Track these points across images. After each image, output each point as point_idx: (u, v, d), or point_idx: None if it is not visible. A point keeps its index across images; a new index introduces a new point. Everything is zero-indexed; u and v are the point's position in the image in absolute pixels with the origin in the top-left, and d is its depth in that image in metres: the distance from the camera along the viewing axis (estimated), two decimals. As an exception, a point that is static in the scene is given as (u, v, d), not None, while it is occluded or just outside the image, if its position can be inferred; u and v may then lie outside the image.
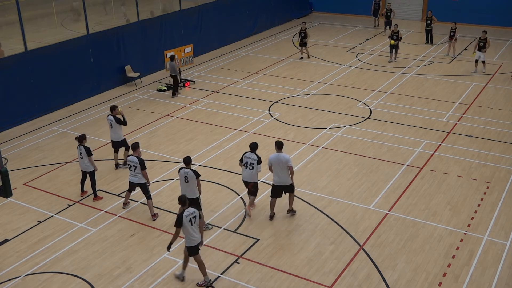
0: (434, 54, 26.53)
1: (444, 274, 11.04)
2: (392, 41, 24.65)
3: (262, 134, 17.57)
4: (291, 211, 13.21)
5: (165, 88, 22.14)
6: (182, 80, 22.58)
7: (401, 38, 24.88)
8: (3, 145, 17.32)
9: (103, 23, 23.50)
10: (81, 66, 21.15)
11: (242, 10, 29.69)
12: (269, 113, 19.43)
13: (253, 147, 12.98)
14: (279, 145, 12.56)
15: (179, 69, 22.48)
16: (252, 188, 13.08)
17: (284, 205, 13.55)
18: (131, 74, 22.87)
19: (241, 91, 21.84)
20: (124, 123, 15.21)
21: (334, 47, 28.18)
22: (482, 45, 23.03)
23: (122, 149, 15.68)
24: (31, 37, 19.70)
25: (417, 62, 25.27)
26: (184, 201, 10.55)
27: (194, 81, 22.96)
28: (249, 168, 12.80)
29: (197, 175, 11.98)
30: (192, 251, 10.59)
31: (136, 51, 23.36)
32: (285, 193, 12.90)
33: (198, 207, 12.27)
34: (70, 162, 16.20)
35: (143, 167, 12.72)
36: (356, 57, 26.33)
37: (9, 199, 13.64)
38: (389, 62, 25.24)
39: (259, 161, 12.73)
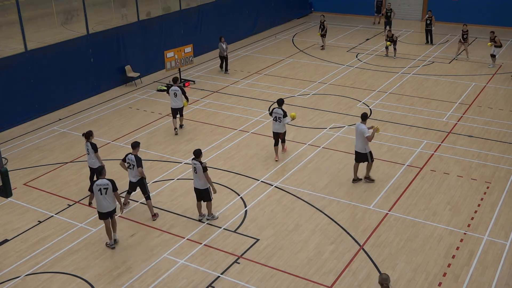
0: (434, 54, 26.53)
1: (444, 274, 11.04)
2: (388, 43, 25.58)
3: (262, 134, 17.58)
4: (368, 179, 14.52)
5: (165, 88, 22.11)
6: (182, 80, 22.58)
7: (396, 38, 25.83)
8: (3, 145, 17.32)
9: (103, 23, 23.49)
10: (81, 66, 21.15)
11: (242, 10, 29.69)
12: (269, 113, 19.39)
13: (280, 102, 15.50)
14: (362, 116, 14.14)
15: (179, 69, 22.50)
16: (284, 136, 15.63)
17: (284, 205, 13.60)
18: (131, 74, 22.86)
19: (241, 91, 21.84)
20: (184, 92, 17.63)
21: (334, 47, 28.17)
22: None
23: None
24: (31, 37, 19.69)
25: (417, 62, 25.27)
26: (100, 172, 11.68)
27: (194, 81, 22.97)
28: (278, 121, 15.29)
29: (204, 169, 12.28)
30: (103, 216, 11.75)
31: (136, 51, 23.36)
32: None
33: (208, 198, 12.69)
34: (70, 162, 16.20)
35: (139, 165, 12.68)
36: (356, 57, 26.33)
37: (9, 199, 13.64)
38: (384, 56, 26.14)
39: (284, 115, 15.19)
